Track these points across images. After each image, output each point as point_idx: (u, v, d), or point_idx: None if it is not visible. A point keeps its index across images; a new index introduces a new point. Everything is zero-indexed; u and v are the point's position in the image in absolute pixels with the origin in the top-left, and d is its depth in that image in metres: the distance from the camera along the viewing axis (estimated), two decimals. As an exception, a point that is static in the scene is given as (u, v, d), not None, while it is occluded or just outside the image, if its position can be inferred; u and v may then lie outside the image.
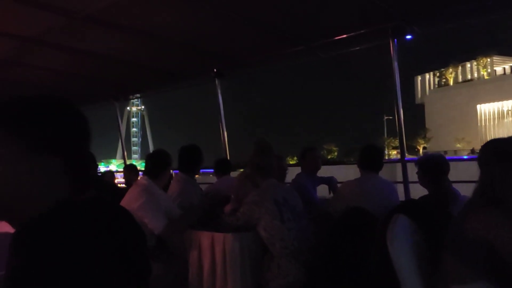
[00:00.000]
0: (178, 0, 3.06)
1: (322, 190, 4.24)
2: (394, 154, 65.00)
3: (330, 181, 4.14)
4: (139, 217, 2.78)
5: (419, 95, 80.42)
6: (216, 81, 4.98)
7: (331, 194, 4.09)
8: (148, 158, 3.23)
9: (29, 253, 0.75)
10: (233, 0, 3.09)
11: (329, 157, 78.26)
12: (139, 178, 3.17)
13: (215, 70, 4.83)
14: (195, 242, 2.98)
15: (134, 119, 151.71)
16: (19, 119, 0.84)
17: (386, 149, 69.85)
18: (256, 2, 3.14)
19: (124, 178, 5.62)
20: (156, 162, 3.14)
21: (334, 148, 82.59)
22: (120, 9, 3.13)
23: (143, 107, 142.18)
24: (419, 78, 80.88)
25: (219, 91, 5.05)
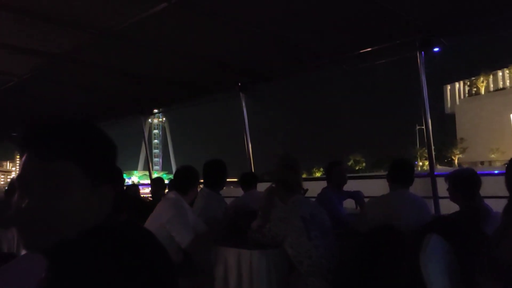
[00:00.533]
0: (203, 17, 3.16)
1: (347, 204, 4.23)
2: (427, 165, 64.01)
3: (356, 196, 4.10)
4: (167, 231, 2.87)
5: (449, 105, 78.94)
6: (241, 95, 5.08)
7: (358, 209, 4.09)
8: (177, 173, 3.33)
9: (67, 280, 0.78)
10: (257, 16, 3.17)
11: (357, 168, 77.68)
12: (167, 193, 3.26)
13: (239, 84, 4.94)
14: (221, 258, 3.03)
15: (155, 131, 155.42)
16: (85, 151, 0.85)
17: (419, 160, 68.85)
18: (279, 17, 3.21)
19: (151, 191, 5.77)
20: (185, 178, 3.24)
21: (361, 159, 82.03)
22: (145, 26, 3.25)
23: (164, 119, 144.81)
24: (449, 87, 79.46)
25: (243, 105, 5.14)
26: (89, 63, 4.21)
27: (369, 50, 3.86)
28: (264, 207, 3.26)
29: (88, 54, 3.91)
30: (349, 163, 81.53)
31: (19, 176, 0.83)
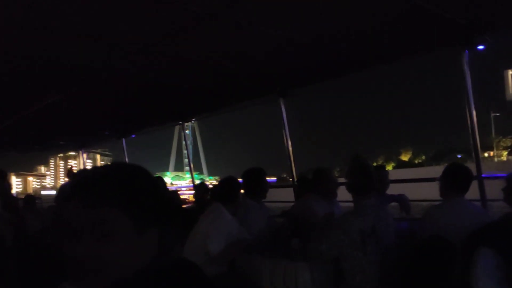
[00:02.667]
0: (239, 28, 3.26)
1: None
2: (505, 154, 60.88)
3: (400, 199, 4.09)
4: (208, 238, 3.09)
5: (511, 91, 74.72)
6: (280, 101, 5.19)
7: (403, 213, 4.11)
8: (220, 184, 3.57)
9: None
10: (295, 23, 3.23)
11: (416, 161, 74.85)
12: (211, 205, 3.42)
13: (278, 89, 5.06)
14: (266, 270, 3.14)
15: (186, 131, 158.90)
16: (130, 197, 0.89)
17: (495, 149, 65.56)
18: (318, 23, 3.25)
19: (195, 196, 6.06)
20: (228, 189, 3.46)
21: (411, 151, 79.17)
22: (180, 39, 3.39)
23: (193, 119, 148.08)
24: (510, 72, 75.21)
25: (283, 110, 5.23)
26: (126, 76, 4.43)
27: (410, 52, 3.93)
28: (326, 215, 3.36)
29: (123, 68, 4.10)
30: (405, 157, 78.34)
31: (67, 224, 0.88)
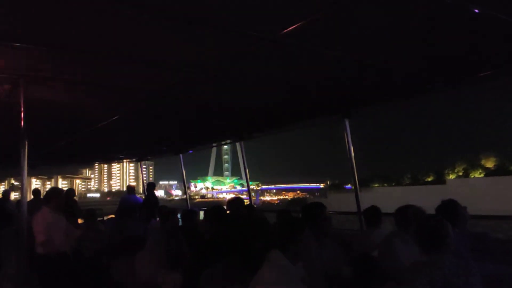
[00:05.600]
0: (302, 51, 3.09)
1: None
2: None
3: (483, 239, 3.57)
4: None
5: None
6: (345, 122, 4.95)
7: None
8: (278, 223, 2.97)
9: None
10: (364, 44, 3.01)
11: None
12: (270, 253, 2.75)
13: (342, 109, 4.85)
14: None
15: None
16: None
17: None
18: (382, 46, 3.05)
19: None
20: (285, 230, 2.73)
21: (493, 159, 71.97)
22: (242, 62, 3.25)
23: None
24: None
25: (348, 132, 4.98)
26: (185, 97, 4.35)
27: (488, 74, 3.70)
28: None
29: (185, 90, 4.01)
30: (488, 164, 70.56)
31: None
